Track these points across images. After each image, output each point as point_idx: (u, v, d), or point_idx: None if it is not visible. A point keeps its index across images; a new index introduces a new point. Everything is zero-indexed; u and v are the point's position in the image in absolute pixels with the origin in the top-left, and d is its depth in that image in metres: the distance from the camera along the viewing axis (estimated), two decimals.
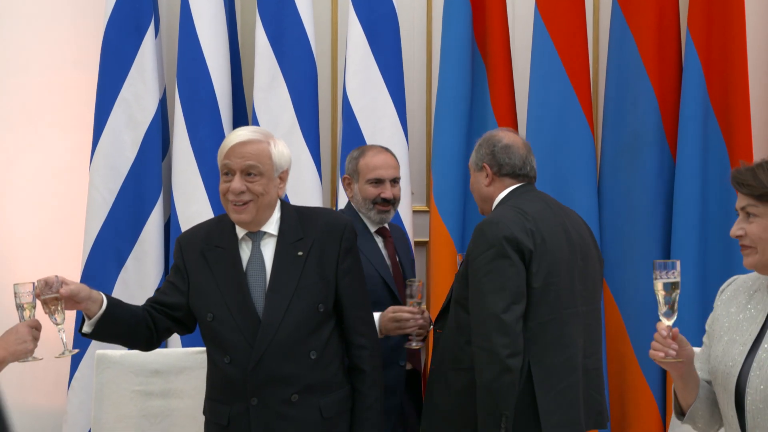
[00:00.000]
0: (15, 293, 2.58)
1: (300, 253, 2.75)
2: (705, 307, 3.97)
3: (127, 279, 4.14)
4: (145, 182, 4.14)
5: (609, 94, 4.11)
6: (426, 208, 4.33)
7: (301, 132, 4.08)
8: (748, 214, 2.12)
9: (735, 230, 2.13)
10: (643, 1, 4.01)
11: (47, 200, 4.32)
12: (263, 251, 2.76)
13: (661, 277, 2.23)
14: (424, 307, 3.29)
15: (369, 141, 4.05)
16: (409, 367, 3.45)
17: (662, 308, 2.22)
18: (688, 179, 3.96)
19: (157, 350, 3.72)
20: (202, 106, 4.08)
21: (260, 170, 2.71)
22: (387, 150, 3.53)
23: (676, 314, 2.21)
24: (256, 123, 4.11)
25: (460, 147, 4.07)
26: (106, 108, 4.11)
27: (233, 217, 2.74)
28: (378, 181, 3.43)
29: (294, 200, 3.92)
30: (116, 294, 4.09)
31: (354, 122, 4.09)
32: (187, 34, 4.09)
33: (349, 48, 4.12)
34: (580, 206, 4.01)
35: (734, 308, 2.27)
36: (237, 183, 2.70)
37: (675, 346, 2.15)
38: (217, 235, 2.79)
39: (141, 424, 3.50)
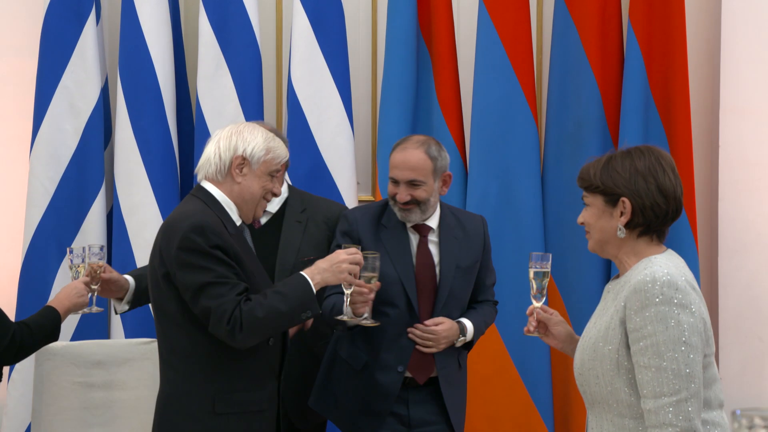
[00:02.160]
0: (69, 256, 3.10)
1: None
2: None
3: (68, 270, 4.07)
4: (87, 171, 4.09)
5: (552, 84, 4.14)
6: (372, 198, 4.33)
7: (246, 121, 4.05)
8: (585, 204, 2.36)
9: (579, 219, 2.38)
10: None
11: None
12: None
13: (534, 267, 2.56)
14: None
15: (314, 131, 4.04)
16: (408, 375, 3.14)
17: (533, 292, 2.53)
18: None
19: (99, 341, 3.72)
20: (144, 94, 4.04)
21: None
22: (419, 148, 3.12)
23: (544, 297, 2.52)
24: (199, 112, 4.07)
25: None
26: (46, 96, 4.05)
27: (261, 213, 2.80)
28: (395, 181, 3.12)
29: None
30: (57, 286, 4.03)
31: (299, 111, 4.07)
32: (129, 21, 4.04)
33: (294, 37, 4.10)
34: (524, 196, 4.06)
35: None
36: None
37: (534, 323, 2.48)
38: (224, 223, 2.69)
39: (82, 416, 3.45)
